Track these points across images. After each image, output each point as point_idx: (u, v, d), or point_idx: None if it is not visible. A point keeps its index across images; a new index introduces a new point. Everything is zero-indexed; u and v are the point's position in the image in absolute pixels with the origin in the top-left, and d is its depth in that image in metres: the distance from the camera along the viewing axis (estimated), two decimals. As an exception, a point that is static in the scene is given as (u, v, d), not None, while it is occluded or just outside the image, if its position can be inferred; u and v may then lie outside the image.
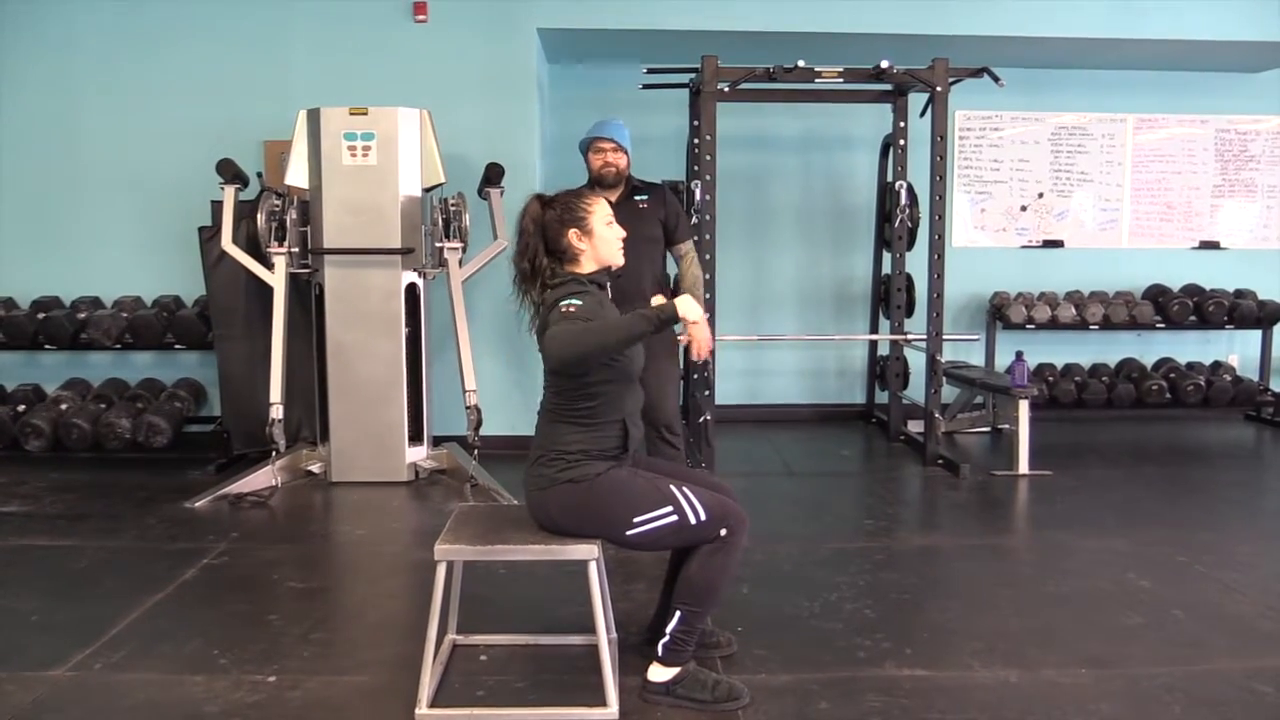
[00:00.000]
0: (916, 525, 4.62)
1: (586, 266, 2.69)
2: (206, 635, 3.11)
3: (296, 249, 5.06)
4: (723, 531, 2.57)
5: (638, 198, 4.16)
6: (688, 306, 2.47)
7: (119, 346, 5.50)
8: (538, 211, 2.64)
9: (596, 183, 4.10)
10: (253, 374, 5.19)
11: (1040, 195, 6.85)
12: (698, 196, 5.14)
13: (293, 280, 5.07)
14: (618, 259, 2.74)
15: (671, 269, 4.37)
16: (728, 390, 5.91)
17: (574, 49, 6.09)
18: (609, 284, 2.85)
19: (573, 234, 2.65)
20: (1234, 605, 3.39)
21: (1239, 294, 6.61)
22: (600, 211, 2.70)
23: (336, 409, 5.02)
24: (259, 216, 4.99)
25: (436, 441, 5.35)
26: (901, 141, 5.86)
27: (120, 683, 2.78)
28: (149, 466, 5.27)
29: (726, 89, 5.15)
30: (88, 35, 5.66)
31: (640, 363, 2.75)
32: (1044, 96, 6.71)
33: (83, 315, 5.51)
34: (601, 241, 2.69)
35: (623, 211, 3.96)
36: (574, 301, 2.52)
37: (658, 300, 2.84)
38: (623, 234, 2.75)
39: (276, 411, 4.85)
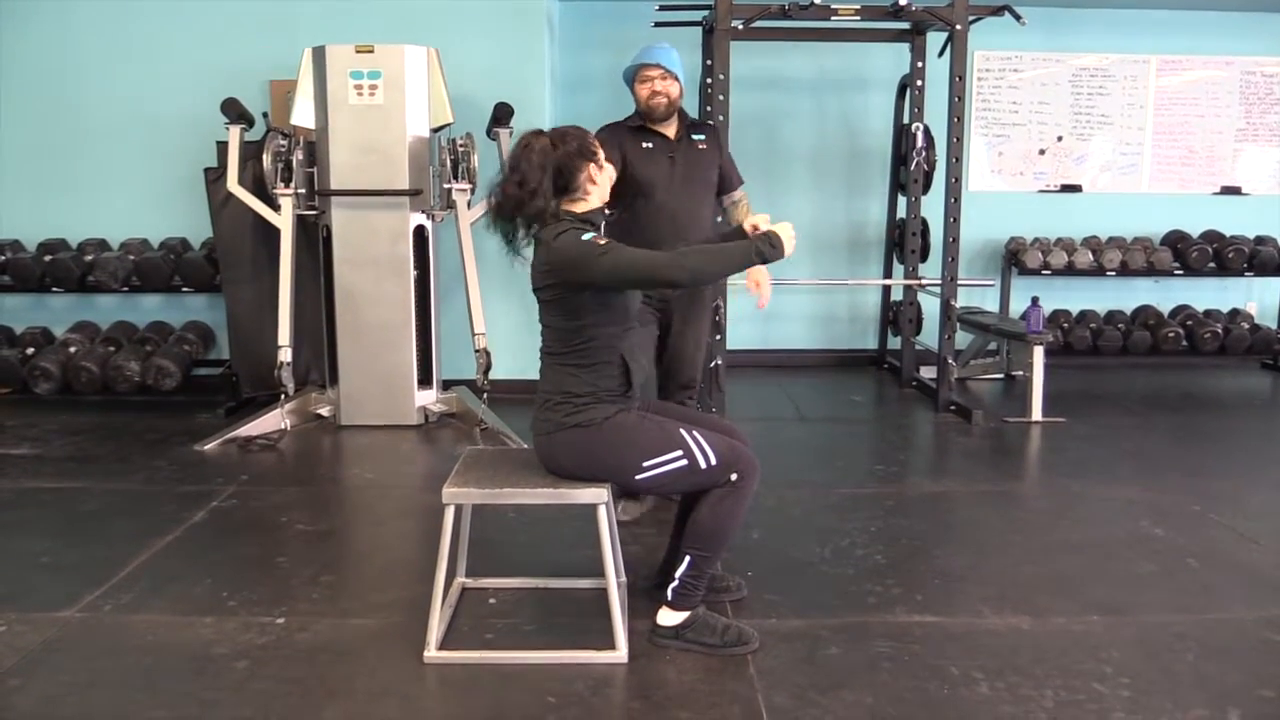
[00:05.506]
0: (928, 471, 4.60)
1: (588, 205, 2.62)
2: (215, 577, 3.12)
3: (303, 190, 4.99)
4: (733, 476, 2.55)
5: (695, 136, 3.70)
6: (790, 233, 2.56)
7: (126, 289, 5.48)
8: (548, 148, 2.55)
9: (646, 116, 3.62)
10: (261, 317, 5.16)
11: (1059, 138, 6.72)
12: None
13: (300, 222, 5.01)
14: (608, 197, 2.71)
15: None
16: (739, 335, 5.85)
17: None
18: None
19: (591, 169, 2.59)
20: (1248, 554, 3.37)
21: (1260, 240, 6.50)
22: (601, 148, 2.66)
23: (345, 352, 5.00)
24: (265, 157, 4.91)
25: (446, 385, 5.33)
26: (919, 82, 5.75)
27: (129, 624, 2.79)
28: (158, 409, 5.27)
29: (740, 27, 5.04)
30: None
31: (636, 305, 2.71)
32: (1065, 37, 6.56)
33: (89, 258, 5.47)
34: (605, 179, 2.66)
35: (682, 152, 3.62)
36: (596, 235, 2.50)
37: (761, 221, 2.72)
38: (614, 173, 2.71)
39: (285, 354, 4.83)
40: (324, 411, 5.14)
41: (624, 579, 2.93)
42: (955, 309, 5.42)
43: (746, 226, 2.71)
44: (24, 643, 2.67)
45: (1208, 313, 6.58)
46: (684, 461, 2.53)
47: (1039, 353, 5.22)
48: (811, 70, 6.52)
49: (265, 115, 5.28)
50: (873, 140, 6.56)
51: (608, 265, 2.44)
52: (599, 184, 2.63)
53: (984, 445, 4.82)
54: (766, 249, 2.52)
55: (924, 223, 5.96)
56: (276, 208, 4.95)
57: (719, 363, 5.09)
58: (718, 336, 5.08)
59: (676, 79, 3.58)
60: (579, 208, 2.61)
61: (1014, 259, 6.48)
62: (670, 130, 3.64)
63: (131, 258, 5.47)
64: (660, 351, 3.68)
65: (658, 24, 5.48)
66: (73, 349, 5.36)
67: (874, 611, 2.90)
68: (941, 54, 5.36)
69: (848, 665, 2.57)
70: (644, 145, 3.57)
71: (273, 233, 4.99)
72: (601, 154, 2.63)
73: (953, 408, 5.35)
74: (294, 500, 3.95)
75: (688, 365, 3.74)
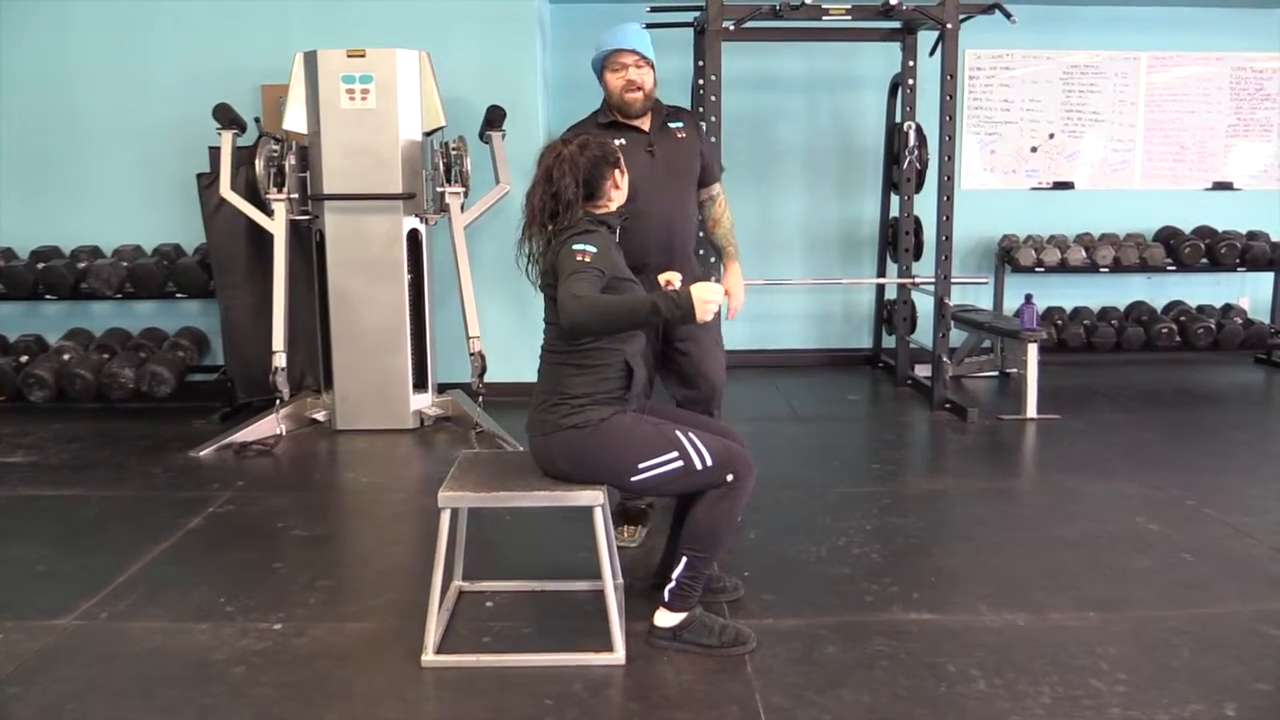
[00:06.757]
0: (924, 469, 4.61)
1: (607, 210, 2.65)
2: (212, 583, 3.11)
3: (296, 195, 4.98)
4: (729, 477, 2.55)
5: (673, 125, 3.27)
6: (704, 296, 2.33)
7: (120, 296, 5.46)
8: (577, 156, 2.56)
9: (619, 111, 3.20)
10: (255, 322, 5.16)
11: (1051, 136, 6.74)
12: (702, 139, 5.06)
13: (293, 227, 5.01)
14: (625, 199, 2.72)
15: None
16: (734, 335, 5.83)
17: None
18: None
19: (616, 174, 2.63)
20: (1243, 548, 3.38)
21: (1251, 235, 6.52)
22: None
23: (340, 357, 4.99)
24: (257, 162, 4.92)
25: (441, 388, 5.33)
26: (910, 81, 5.76)
27: (127, 631, 2.79)
28: (153, 416, 5.26)
29: (732, 27, 5.04)
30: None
31: None
32: (1056, 35, 6.57)
33: (83, 265, 5.45)
34: (625, 183, 2.69)
35: (660, 145, 3.25)
36: (588, 248, 2.47)
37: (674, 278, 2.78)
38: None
39: (279, 360, 4.82)
40: (319, 416, 5.13)
41: (621, 581, 2.93)
42: (949, 307, 5.43)
43: (661, 281, 2.78)
44: (21, 651, 2.66)
45: (1201, 308, 6.59)
46: (680, 463, 2.54)
47: (1033, 350, 5.23)
48: (803, 70, 6.52)
49: (257, 120, 5.28)
50: (865, 139, 6.57)
51: (563, 288, 2.41)
52: (621, 188, 2.67)
53: (979, 443, 4.83)
54: (668, 307, 2.34)
55: (917, 221, 5.98)
56: (269, 213, 4.94)
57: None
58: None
59: (651, 65, 3.19)
60: (599, 210, 2.63)
61: (1007, 256, 6.49)
62: (644, 123, 3.23)
63: (125, 264, 5.45)
64: (677, 374, 3.33)
65: (649, 25, 5.46)
66: (67, 356, 5.35)
67: (871, 610, 2.90)
68: (933, 53, 5.36)
69: (845, 664, 2.57)
70: (617, 143, 2.99)
71: (266, 238, 4.99)
72: (622, 159, 2.66)
73: (948, 405, 5.36)
74: (290, 505, 3.95)
75: (715, 379, 3.32)
